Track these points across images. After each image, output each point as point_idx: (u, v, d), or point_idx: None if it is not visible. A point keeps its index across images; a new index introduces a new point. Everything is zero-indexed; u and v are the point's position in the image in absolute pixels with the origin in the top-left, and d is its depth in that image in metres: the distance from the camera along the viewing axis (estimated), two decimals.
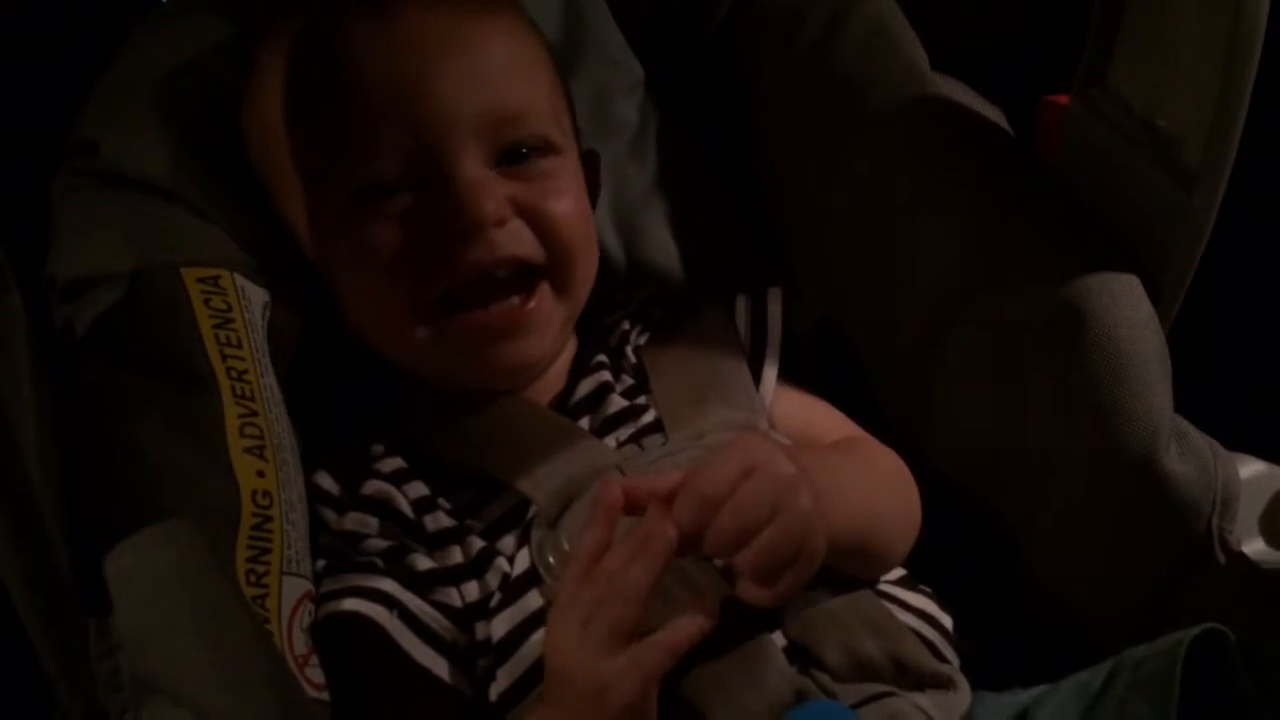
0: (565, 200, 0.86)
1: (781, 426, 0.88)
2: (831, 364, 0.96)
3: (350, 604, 0.77)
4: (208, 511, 0.75)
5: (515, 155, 0.85)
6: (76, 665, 0.69)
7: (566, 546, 0.78)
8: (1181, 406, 0.80)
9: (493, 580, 0.80)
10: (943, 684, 0.75)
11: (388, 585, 0.78)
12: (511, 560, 0.80)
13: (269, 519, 0.77)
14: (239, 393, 0.80)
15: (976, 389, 0.86)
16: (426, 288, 0.83)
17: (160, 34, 0.93)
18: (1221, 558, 0.77)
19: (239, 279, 0.85)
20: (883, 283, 0.92)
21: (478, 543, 0.81)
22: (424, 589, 0.79)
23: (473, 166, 0.82)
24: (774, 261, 1.01)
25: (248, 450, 0.78)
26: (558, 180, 0.86)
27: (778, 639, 0.74)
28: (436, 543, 0.81)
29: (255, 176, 0.89)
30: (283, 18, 0.88)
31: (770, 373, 0.91)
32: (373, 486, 0.83)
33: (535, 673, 0.75)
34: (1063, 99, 0.90)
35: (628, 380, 0.90)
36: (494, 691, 0.77)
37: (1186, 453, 0.78)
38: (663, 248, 1.02)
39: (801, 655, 0.74)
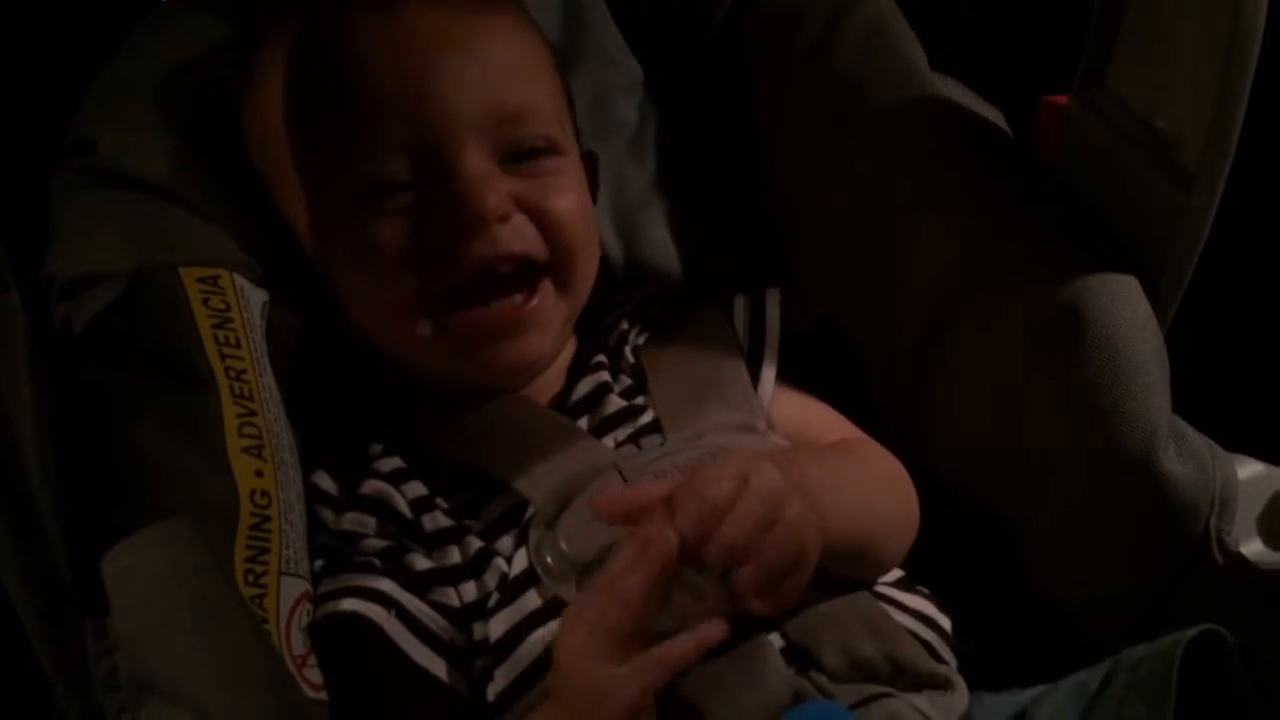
0: (568, 198, 0.86)
1: (780, 427, 0.88)
2: (831, 364, 0.96)
3: (348, 604, 0.77)
4: (206, 511, 0.75)
5: (518, 154, 0.85)
6: (74, 665, 0.69)
7: (564, 547, 0.77)
8: (1180, 407, 0.80)
9: (490, 580, 0.80)
10: (940, 685, 0.75)
11: (386, 585, 0.78)
12: (509, 560, 0.80)
13: (267, 519, 0.77)
14: (237, 392, 0.80)
15: (976, 389, 0.86)
16: (429, 284, 0.83)
17: (160, 33, 0.93)
18: (1219, 558, 0.77)
19: (238, 279, 0.85)
20: (882, 283, 0.92)
21: (476, 543, 0.81)
22: (422, 589, 0.79)
23: (475, 162, 0.82)
24: (774, 261, 1.01)
25: (246, 450, 0.78)
26: (560, 178, 0.86)
27: (775, 640, 0.74)
28: (434, 543, 0.81)
29: (255, 176, 0.89)
30: (283, 17, 0.88)
31: (768, 373, 0.91)
32: (371, 486, 0.83)
33: (533, 673, 0.75)
34: (1062, 99, 0.90)
35: (626, 380, 0.90)
36: (491, 691, 0.77)
37: (1185, 453, 0.78)
38: (662, 248, 1.02)
39: (799, 656, 0.74)
